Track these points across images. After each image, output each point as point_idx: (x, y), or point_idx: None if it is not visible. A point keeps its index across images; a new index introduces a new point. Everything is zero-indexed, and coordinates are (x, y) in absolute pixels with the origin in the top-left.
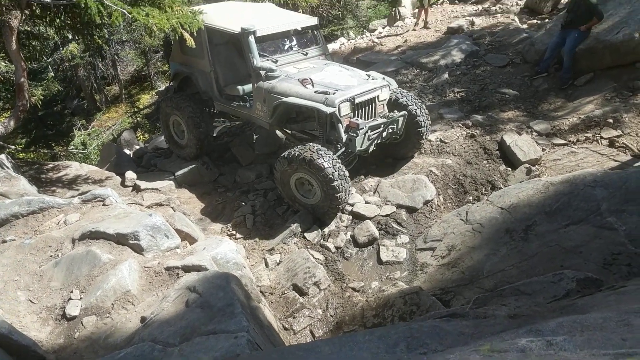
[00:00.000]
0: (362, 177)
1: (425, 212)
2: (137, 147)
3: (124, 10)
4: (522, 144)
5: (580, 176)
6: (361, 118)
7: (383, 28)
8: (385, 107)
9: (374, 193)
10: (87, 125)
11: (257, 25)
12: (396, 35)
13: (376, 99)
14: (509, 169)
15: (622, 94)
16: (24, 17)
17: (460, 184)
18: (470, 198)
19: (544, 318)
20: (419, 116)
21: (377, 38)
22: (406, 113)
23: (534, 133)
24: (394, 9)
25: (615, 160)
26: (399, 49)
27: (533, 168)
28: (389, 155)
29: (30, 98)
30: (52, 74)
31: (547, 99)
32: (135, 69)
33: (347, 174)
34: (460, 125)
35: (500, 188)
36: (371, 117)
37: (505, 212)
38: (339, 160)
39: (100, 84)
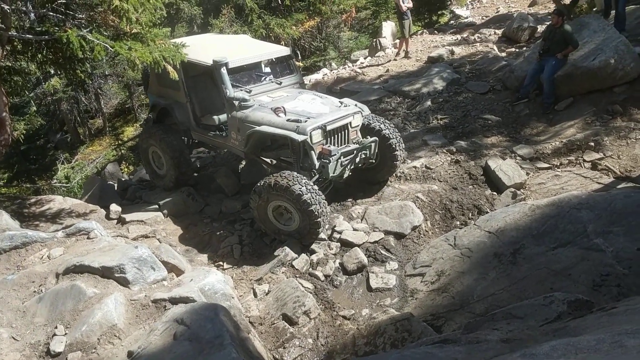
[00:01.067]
0: (350, 204)
1: (413, 237)
2: (122, 179)
3: (106, 45)
4: (507, 169)
5: (565, 199)
6: (334, 145)
7: (365, 58)
8: (359, 133)
9: (362, 220)
10: (70, 158)
11: (230, 57)
12: (378, 65)
13: (349, 126)
14: (494, 193)
15: (602, 117)
16: (5, 53)
17: (447, 209)
18: (458, 223)
19: (536, 341)
20: (393, 140)
21: (359, 68)
22: (377, 139)
23: (518, 157)
24: (374, 39)
25: (599, 183)
26: (381, 78)
27: (518, 192)
28: (366, 180)
29: (13, 132)
30: (35, 108)
31: (529, 124)
32: (119, 102)
33: (315, 187)
34: (444, 151)
35: (487, 212)
36: (344, 144)
37: (493, 236)
38: (305, 178)
39: (84, 118)
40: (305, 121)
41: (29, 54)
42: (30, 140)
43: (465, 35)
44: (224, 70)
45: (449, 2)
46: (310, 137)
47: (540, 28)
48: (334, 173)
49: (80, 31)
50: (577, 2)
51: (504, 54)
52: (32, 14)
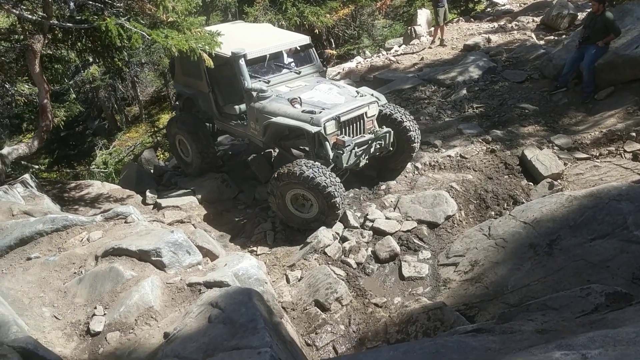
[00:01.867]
0: (382, 192)
1: (446, 227)
2: (158, 165)
3: (143, 33)
4: (544, 159)
5: (604, 190)
6: (349, 135)
7: (399, 46)
8: (375, 123)
9: (395, 209)
10: (108, 145)
11: (248, 48)
12: (412, 53)
13: (364, 116)
14: (530, 183)
15: None
16: (46, 41)
17: (481, 199)
18: (493, 213)
19: (573, 333)
20: (410, 129)
21: (394, 56)
22: (391, 130)
23: (555, 147)
24: (409, 27)
25: None
26: (415, 67)
27: (555, 182)
28: (383, 167)
29: (53, 119)
30: (74, 95)
31: (567, 114)
32: (155, 90)
33: (317, 164)
34: (480, 140)
35: (523, 203)
36: (359, 134)
37: (528, 227)
38: (304, 159)
39: (121, 105)
40: (320, 112)
41: (69, 42)
42: (70, 127)
43: (502, 23)
44: (242, 62)
45: None
46: (324, 128)
47: (581, 15)
48: (347, 163)
49: (118, 19)
50: None
51: (542, 42)
52: (72, 3)
